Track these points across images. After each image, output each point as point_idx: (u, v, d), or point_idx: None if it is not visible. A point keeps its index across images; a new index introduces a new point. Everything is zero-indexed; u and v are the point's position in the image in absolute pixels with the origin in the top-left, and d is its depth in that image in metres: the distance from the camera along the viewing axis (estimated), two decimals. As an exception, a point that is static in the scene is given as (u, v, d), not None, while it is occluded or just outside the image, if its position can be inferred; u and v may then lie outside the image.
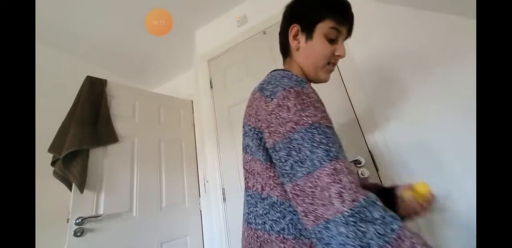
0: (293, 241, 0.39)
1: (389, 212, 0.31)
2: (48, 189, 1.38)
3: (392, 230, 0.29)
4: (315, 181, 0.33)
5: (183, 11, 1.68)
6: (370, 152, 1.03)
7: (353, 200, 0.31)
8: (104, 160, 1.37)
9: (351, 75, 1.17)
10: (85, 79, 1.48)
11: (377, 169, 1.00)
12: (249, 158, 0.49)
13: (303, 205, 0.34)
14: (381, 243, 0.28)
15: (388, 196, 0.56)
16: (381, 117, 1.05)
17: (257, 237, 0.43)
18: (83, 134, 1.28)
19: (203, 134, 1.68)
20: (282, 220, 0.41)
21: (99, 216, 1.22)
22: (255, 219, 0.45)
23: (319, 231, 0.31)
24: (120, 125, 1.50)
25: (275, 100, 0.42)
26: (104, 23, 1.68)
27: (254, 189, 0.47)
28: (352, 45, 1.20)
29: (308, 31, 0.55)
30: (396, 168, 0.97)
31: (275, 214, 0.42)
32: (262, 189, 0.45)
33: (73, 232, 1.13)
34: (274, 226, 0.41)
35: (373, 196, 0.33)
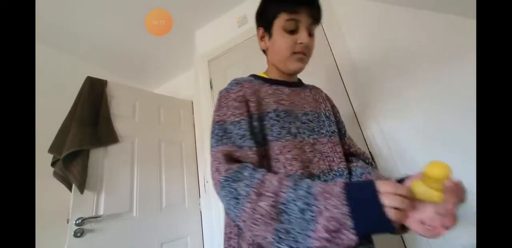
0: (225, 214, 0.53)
1: (258, 170, 0.43)
2: (48, 190, 1.38)
3: (255, 178, 0.40)
4: (210, 162, 0.47)
5: (183, 11, 1.68)
6: (368, 149, 1.03)
7: (226, 170, 0.42)
8: (104, 160, 1.37)
9: (350, 74, 1.17)
10: (86, 80, 1.48)
11: (376, 168, 1.00)
12: None
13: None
14: (248, 190, 0.39)
15: None
16: (379, 115, 1.06)
17: (226, 221, 0.53)
18: (84, 135, 1.28)
19: (203, 135, 1.68)
20: None
21: (99, 217, 1.22)
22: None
23: (217, 192, 0.44)
24: (120, 125, 1.50)
25: None
26: (104, 23, 1.68)
27: None
28: (351, 44, 1.20)
29: (269, 30, 0.60)
30: (394, 165, 0.97)
31: None
32: None
33: (73, 233, 1.13)
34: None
35: (244, 164, 0.44)
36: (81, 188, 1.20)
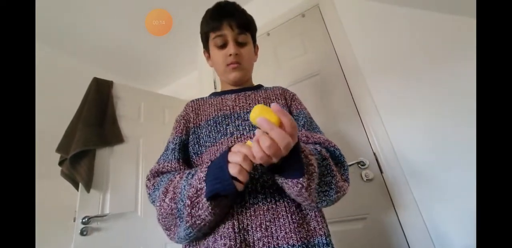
0: None
1: (175, 172, 0.51)
2: (55, 189, 1.41)
3: (168, 179, 0.49)
4: None
5: (187, 13, 1.70)
6: (374, 153, 1.03)
7: (149, 179, 0.56)
8: (110, 160, 1.39)
9: (354, 76, 1.17)
10: (92, 81, 1.50)
11: (381, 171, 1.00)
12: None
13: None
14: (160, 190, 0.47)
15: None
16: (385, 118, 1.05)
17: None
18: (90, 135, 1.30)
19: (207, 135, 1.68)
20: None
21: (105, 216, 1.24)
22: None
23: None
24: (125, 126, 1.52)
25: None
26: (109, 25, 1.71)
27: None
28: (355, 45, 1.20)
29: (207, 49, 0.68)
30: (400, 169, 0.97)
31: None
32: None
33: (79, 231, 1.15)
34: None
35: (158, 177, 0.54)
36: (88, 187, 1.22)
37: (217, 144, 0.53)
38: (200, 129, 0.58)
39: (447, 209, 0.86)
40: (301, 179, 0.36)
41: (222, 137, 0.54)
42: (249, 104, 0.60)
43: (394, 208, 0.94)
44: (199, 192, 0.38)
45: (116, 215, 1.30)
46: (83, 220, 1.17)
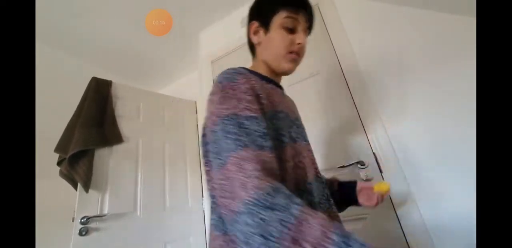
0: (222, 238, 0.39)
1: (293, 198, 0.31)
2: (54, 189, 1.41)
3: (292, 214, 0.28)
4: (225, 173, 0.33)
5: (187, 13, 1.70)
6: (373, 153, 1.03)
7: (256, 188, 0.30)
8: (109, 160, 1.39)
9: (354, 75, 1.16)
10: (91, 80, 1.50)
11: (381, 171, 1.00)
12: (204, 160, 0.51)
13: (220, 199, 0.33)
14: (282, 230, 0.27)
15: (349, 188, 0.65)
16: (385, 118, 1.05)
17: (212, 237, 0.43)
18: (89, 135, 1.30)
19: (206, 135, 1.68)
20: (213, 216, 0.43)
21: (104, 216, 1.24)
22: (211, 219, 0.45)
23: (231, 225, 0.30)
24: (125, 126, 1.52)
25: (208, 96, 0.46)
26: (109, 25, 1.71)
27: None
28: (355, 45, 1.20)
29: (266, 25, 0.57)
30: (400, 169, 0.96)
31: (216, 213, 0.43)
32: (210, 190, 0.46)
33: (78, 231, 1.14)
34: (219, 224, 0.41)
35: (278, 184, 0.32)
36: (87, 187, 1.21)
37: (291, 144, 0.47)
38: (277, 118, 0.46)
39: (447, 209, 0.86)
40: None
41: (291, 140, 0.48)
42: (290, 107, 0.57)
43: (394, 208, 0.94)
44: None
45: (115, 215, 1.29)
46: (82, 220, 1.17)
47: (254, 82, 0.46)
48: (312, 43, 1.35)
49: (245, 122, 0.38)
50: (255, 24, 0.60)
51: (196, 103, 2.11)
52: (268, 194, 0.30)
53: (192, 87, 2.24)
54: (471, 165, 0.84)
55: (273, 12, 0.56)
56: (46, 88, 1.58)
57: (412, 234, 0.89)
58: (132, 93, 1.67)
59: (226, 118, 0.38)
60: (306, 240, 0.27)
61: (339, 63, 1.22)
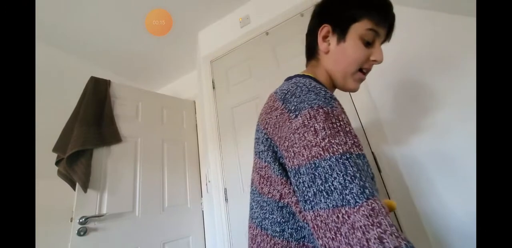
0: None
1: None
2: (52, 189, 1.40)
3: None
4: (344, 218, 0.29)
5: (186, 13, 1.69)
6: (372, 153, 1.03)
7: (395, 247, 0.26)
8: (108, 160, 1.38)
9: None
10: (89, 80, 1.49)
11: (379, 170, 1.00)
12: (264, 165, 0.46)
13: (324, 239, 0.30)
14: None
15: None
16: (384, 118, 1.05)
17: (274, 244, 0.42)
18: (87, 134, 1.29)
19: (205, 135, 1.68)
20: (303, 230, 0.41)
21: (102, 216, 1.23)
22: (271, 225, 0.44)
23: None
24: (123, 126, 1.51)
25: (299, 118, 0.37)
26: (108, 25, 1.70)
27: (270, 196, 0.45)
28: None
29: (341, 32, 0.49)
30: (399, 169, 0.96)
31: (295, 223, 0.41)
32: (281, 198, 0.43)
33: (76, 231, 1.14)
34: (295, 234, 0.41)
35: (411, 242, 0.28)
36: (85, 187, 1.21)
37: (377, 201, 0.36)
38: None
39: (447, 209, 0.86)
40: None
41: (376, 192, 0.38)
42: None
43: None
44: None
45: (114, 215, 1.29)
46: (80, 220, 1.16)
47: (339, 106, 0.40)
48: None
49: (359, 162, 0.33)
50: (327, 28, 0.51)
51: (195, 102, 2.10)
52: (402, 241, 0.26)
53: (191, 86, 2.24)
54: (471, 165, 0.84)
55: (354, 20, 0.48)
56: (44, 88, 1.57)
57: (411, 233, 0.89)
58: (130, 93, 1.67)
59: (341, 156, 0.32)
60: None
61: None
